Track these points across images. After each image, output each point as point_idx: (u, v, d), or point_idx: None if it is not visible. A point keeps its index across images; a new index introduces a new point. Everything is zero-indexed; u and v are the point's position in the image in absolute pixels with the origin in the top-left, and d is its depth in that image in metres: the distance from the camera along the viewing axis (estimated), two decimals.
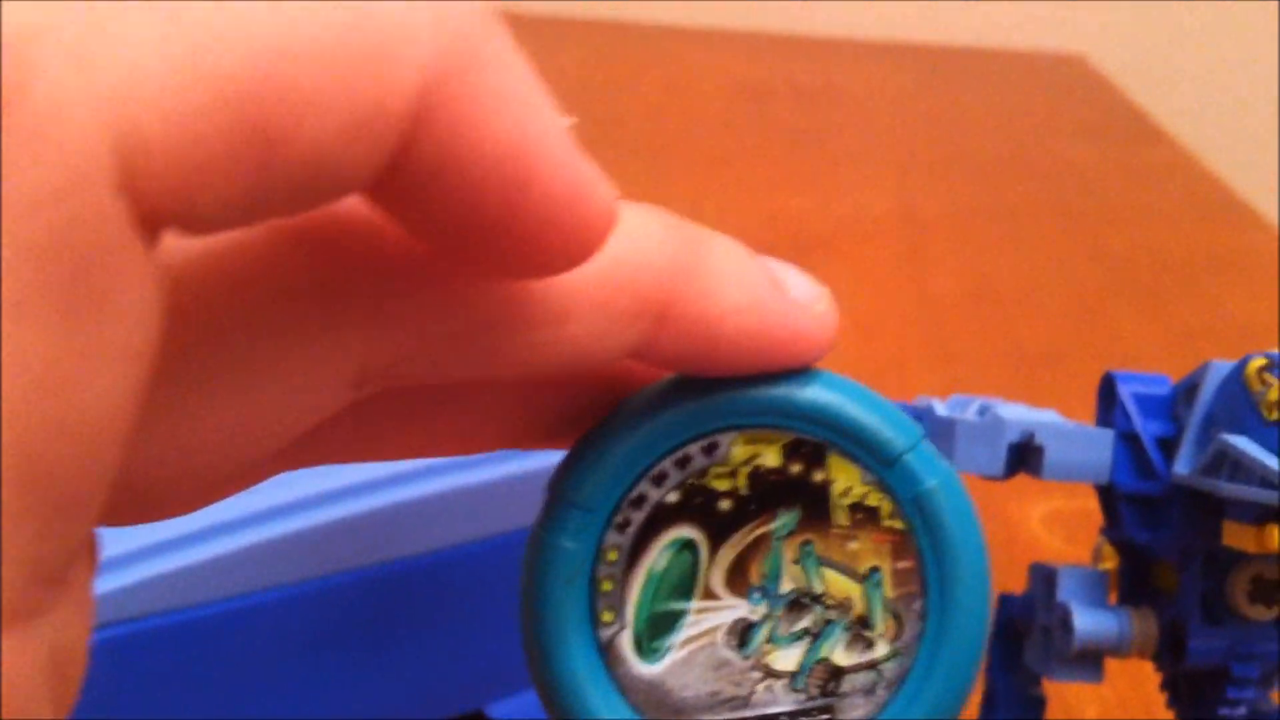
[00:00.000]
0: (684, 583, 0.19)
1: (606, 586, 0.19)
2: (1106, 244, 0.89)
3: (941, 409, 0.28)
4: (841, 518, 0.19)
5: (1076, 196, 0.99)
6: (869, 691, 0.19)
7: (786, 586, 0.19)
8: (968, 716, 0.32)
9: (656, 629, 0.19)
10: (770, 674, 0.19)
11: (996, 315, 0.76)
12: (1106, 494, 0.28)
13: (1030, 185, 1.00)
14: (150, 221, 0.12)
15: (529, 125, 0.14)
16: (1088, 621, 0.27)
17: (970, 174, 1.01)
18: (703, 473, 0.19)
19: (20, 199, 0.11)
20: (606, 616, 0.19)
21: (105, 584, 0.30)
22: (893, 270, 0.81)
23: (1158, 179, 1.04)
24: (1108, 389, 0.28)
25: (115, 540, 0.31)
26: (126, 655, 0.30)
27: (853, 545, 0.19)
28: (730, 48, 1.33)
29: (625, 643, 0.19)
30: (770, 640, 0.19)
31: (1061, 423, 0.27)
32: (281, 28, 0.12)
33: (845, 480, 0.19)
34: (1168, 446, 0.27)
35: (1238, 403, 0.25)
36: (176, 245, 0.15)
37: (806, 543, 0.19)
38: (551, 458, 0.20)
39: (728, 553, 0.19)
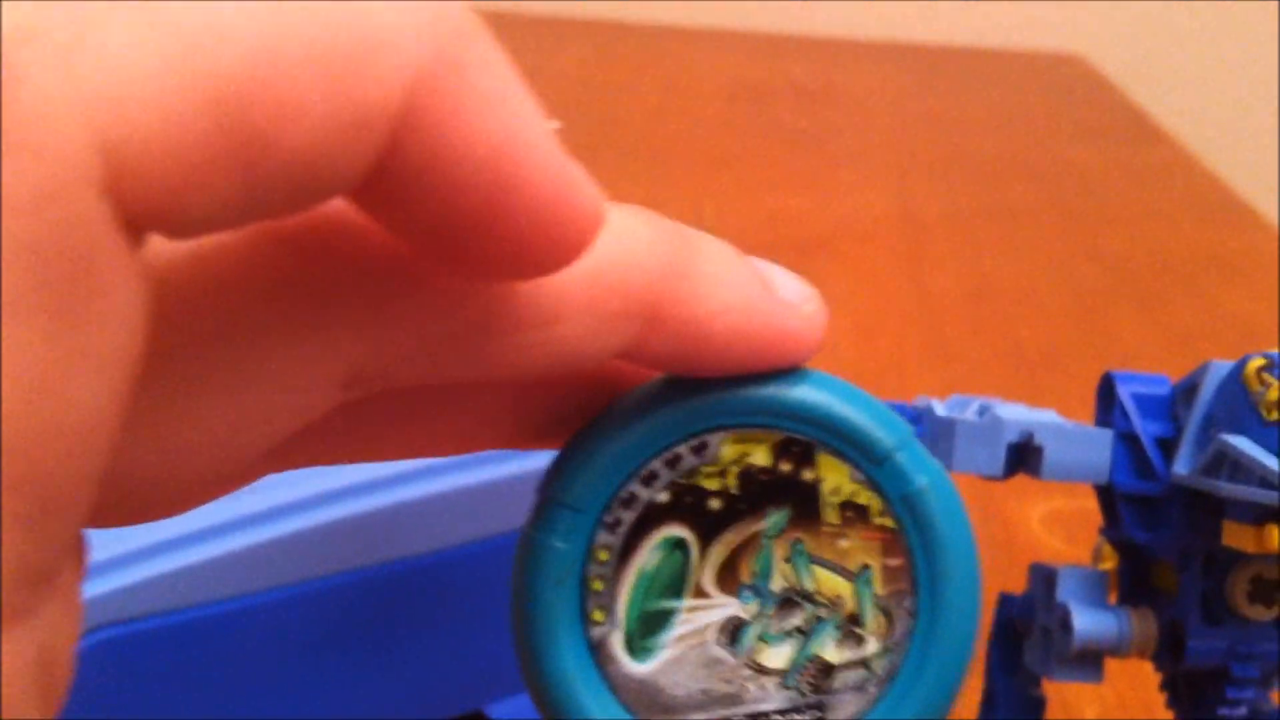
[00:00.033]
0: (675, 582, 0.19)
1: (597, 586, 0.19)
2: (1106, 244, 0.89)
3: (941, 409, 0.28)
4: (832, 516, 0.19)
5: (1076, 197, 0.99)
6: (860, 688, 0.19)
7: (777, 585, 0.19)
8: (968, 717, 0.32)
9: (647, 628, 0.19)
10: (762, 672, 0.19)
11: (996, 315, 0.76)
12: (1106, 494, 0.28)
13: (1030, 185, 1.00)
14: (136, 224, 0.12)
15: (514, 127, 0.14)
16: (1087, 621, 0.27)
17: (970, 174, 1.01)
18: (693, 472, 0.19)
19: (6, 203, 0.11)
20: (597, 616, 0.19)
21: (105, 584, 0.30)
22: (892, 270, 0.81)
23: (1157, 179, 1.04)
24: (1107, 389, 0.28)
25: (115, 540, 0.31)
26: (126, 655, 0.30)
27: (843, 543, 0.19)
28: (730, 48, 1.33)
29: (616, 642, 0.19)
30: (761, 638, 0.19)
31: (1061, 423, 0.27)
32: (267, 32, 0.12)
33: (835, 479, 0.19)
34: (1167, 447, 0.27)
35: (1237, 403, 0.25)
36: (163, 247, 0.15)
37: (797, 541, 0.19)
38: (550, 459, 0.20)
39: (718, 551, 0.19)
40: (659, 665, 0.19)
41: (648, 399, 0.19)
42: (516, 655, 0.19)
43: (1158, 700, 0.29)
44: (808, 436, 0.19)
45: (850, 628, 0.19)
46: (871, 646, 0.19)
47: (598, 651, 0.19)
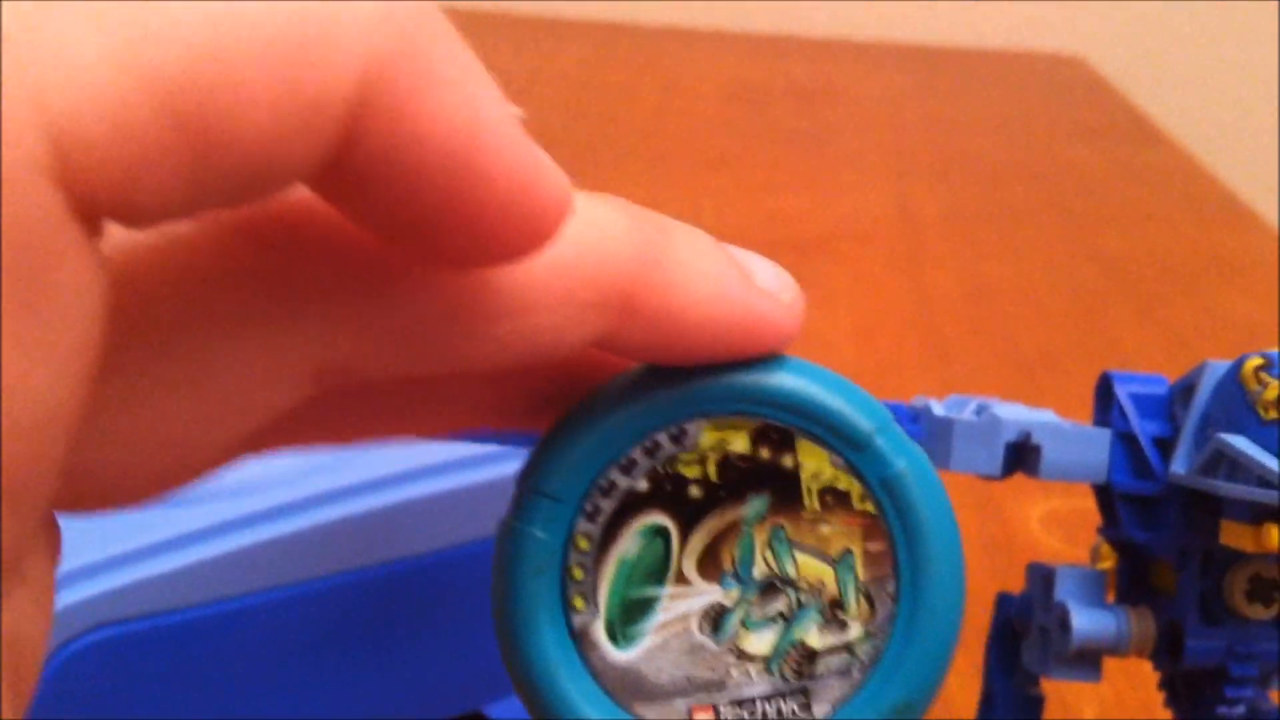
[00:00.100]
0: (656, 569, 0.19)
1: (578, 574, 0.19)
2: (1105, 245, 0.89)
3: (939, 409, 0.28)
4: (812, 502, 0.19)
5: (1075, 198, 0.99)
6: (844, 673, 0.19)
7: (759, 571, 0.19)
8: (967, 716, 0.32)
9: (629, 615, 0.19)
10: (745, 658, 0.19)
11: (994, 316, 0.76)
12: (1104, 494, 0.28)
13: (1029, 186, 1.00)
14: (90, 213, 0.12)
15: (474, 114, 0.14)
16: (1086, 621, 0.27)
17: (969, 175, 1.01)
18: (672, 460, 0.19)
19: None
20: (579, 604, 0.19)
21: (103, 584, 0.30)
22: (891, 271, 0.81)
23: (1157, 180, 1.04)
24: (1105, 389, 0.28)
25: (114, 540, 0.31)
26: (124, 655, 0.30)
27: (824, 529, 0.19)
28: (729, 48, 1.33)
29: (598, 630, 0.19)
30: (744, 625, 0.19)
31: (1059, 422, 0.27)
32: (215, 22, 0.12)
33: (815, 465, 0.19)
34: (1165, 446, 0.27)
35: (1234, 402, 0.25)
36: (126, 240, 0.15)
37: (778, 527, 0.19)
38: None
39: (699, 539, 0.19)
40: (641, 653, 0.19)
41: (626, 387, 0.19)
42: (499, 645, 0.19)
43: (1156, 699, 0.29)
44: (787, 423, 0.19)
45: (833, 613, 0.19)
46: (855, 631, 0.19)
47: (580, 640, 0.19)
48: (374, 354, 0.16)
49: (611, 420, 0.19)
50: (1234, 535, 0.25)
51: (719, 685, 0.19)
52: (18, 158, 0.11)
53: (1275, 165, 1.34)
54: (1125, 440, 0.27)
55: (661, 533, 0.19)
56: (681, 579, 0.19)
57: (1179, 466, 0.26)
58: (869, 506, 0.19)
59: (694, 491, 0.19)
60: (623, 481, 0.19)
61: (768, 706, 0.19)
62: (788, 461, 0.19)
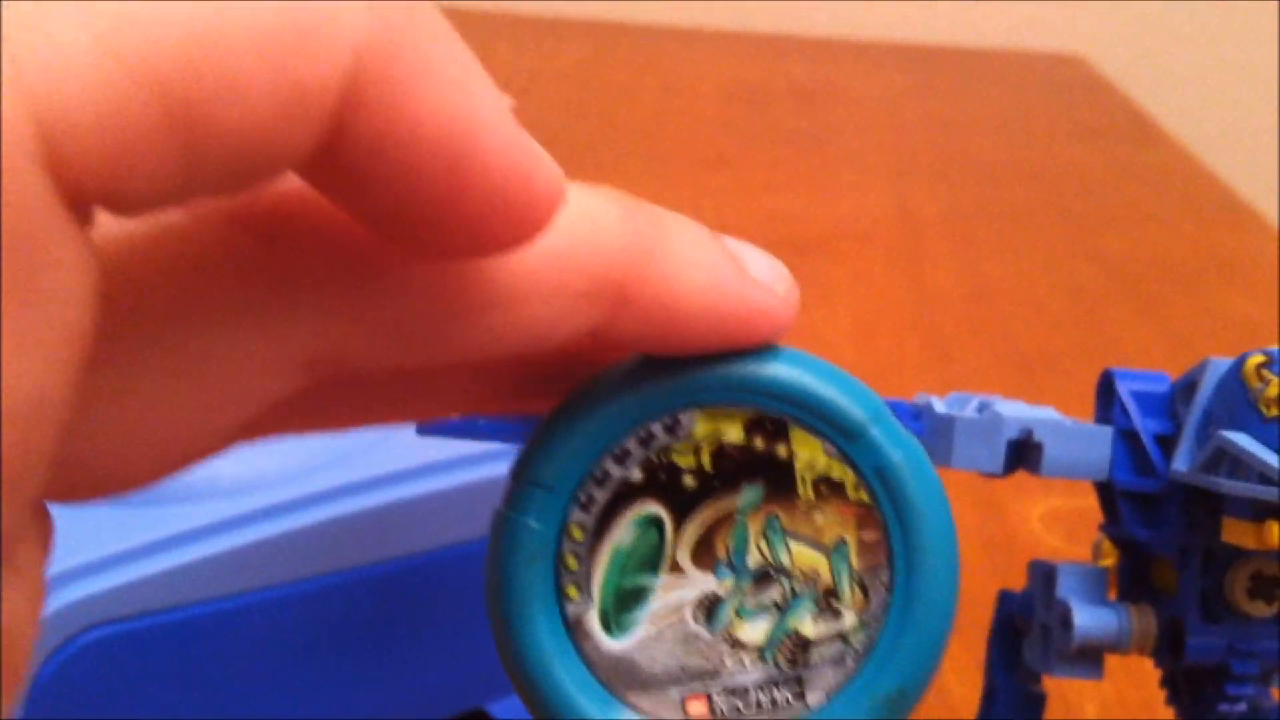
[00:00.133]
0: (650, 558, 0.19)
1: (572, 564, 0.19)
2: (1105, 245, 0.89)
3: (940, 406, 0.28)
4: (806, 491, 0.19)
5: (1075, 197, 0.99)
6: (838, 662, 0.19)
7: (753, 560, 0.19)
8: (967, 715, 0.32)
9: (623, 604, 0.19)
10: (739, 647, 0.19)
11: (995, 316, 0.76)
12: (1105, 491, 0.28)
13: (1029, 186, 1.00)
14: (79, 201, 0.12)
15: (466, 103, 0.14)
16: (1087, 618, 0.27)
17: (969, 175, 1.01)
18: (666, 450, 0.19)
19: None
20: (572, 593, 0.19)
21: (101, 583, 0.30)
22: (891, 271, 0.81)
23: (1157, 180, 1.04)
24: (1106, 386, 0.28)
25: (114, 538, 0.31)
26: (123, 654, 0.30)
27: (818, 518, 0.19)
28: (729, 48, 1.33)
29: (592, 619, 0.19)
30: (738, 613, 0.19)
31: (1060, 420, 0.27)
32: (204, 10, 0.12)
33: (809, 454, 0.19)
34: (1166, 444, 0.27)
35: (1236, 400, 0.25)
36: (117, 229, 0.15)
37: (772, 517, 0.19)
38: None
39: (693, 528, 0.19)
40: (635, 641, 0.19)
41: (620, 377, 0.19)
42: (493, 634, 0.19)
43: (1158, 697, 0.29)
44: (781, 413, 0.19)
45: (827, 602, 0.19)
46: (849, 620, 0.19)
47: (574, 629, 0.19)
48: (366, 344, 0.16)
49: (605, 410, 0.19)
50: (1235, 532, 0.25)
51: (713, 674, 0.19)
52: (5, 143, 0.11)
53: (1275, 165, 1.34)
54: (1127, 437, 0.27)
55: (655, 522, 0.19)
56: (675, 568, 0.19)
57: (1180, 464, 0.26)
58: (863, 496, 0.19)
59: (688, 481, 0.19)
60: (617, 471, 0.19)
61: (761, 695, 0.19)
62: (782, 451, 0.19)
